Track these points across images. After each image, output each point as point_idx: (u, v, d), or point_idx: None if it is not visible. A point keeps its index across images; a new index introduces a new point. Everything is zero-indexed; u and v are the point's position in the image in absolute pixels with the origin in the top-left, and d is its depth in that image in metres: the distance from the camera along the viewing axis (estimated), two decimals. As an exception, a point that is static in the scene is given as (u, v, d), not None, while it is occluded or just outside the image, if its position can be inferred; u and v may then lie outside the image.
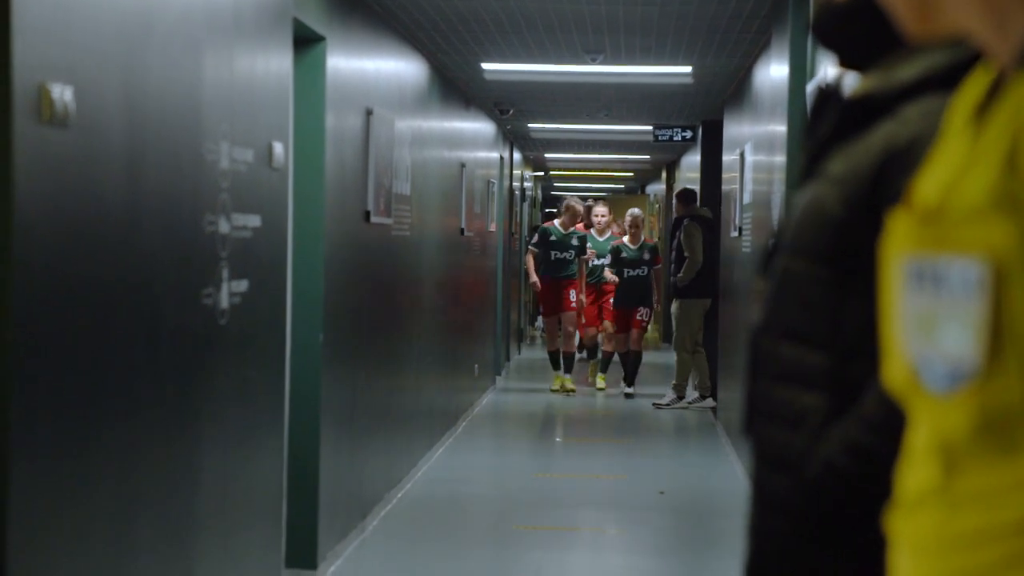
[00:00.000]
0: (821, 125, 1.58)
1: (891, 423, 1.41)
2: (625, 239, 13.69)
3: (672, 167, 20.60)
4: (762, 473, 1.55)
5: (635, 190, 30.88)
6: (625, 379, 13.60)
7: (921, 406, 0.99)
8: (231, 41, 4.63)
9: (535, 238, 14.17)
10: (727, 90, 11.39)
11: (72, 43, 3.27)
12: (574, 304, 13.85)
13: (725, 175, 11.83)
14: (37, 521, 3.13)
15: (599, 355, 14.27)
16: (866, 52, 1.56)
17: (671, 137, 14.60)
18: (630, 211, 13.92)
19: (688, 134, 14.52)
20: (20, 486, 3.03)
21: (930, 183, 1.02)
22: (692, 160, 15.98)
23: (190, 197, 4.20)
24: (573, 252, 13.83)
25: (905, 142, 1.48)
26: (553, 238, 13.87)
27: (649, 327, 14.31)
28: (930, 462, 0.99)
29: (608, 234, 14.18)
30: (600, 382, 14.09)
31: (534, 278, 14.01)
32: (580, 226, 14.21)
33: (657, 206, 24.75)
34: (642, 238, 13.70)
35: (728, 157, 11.55)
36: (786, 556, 1.52)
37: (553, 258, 13.83)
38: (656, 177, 24.87)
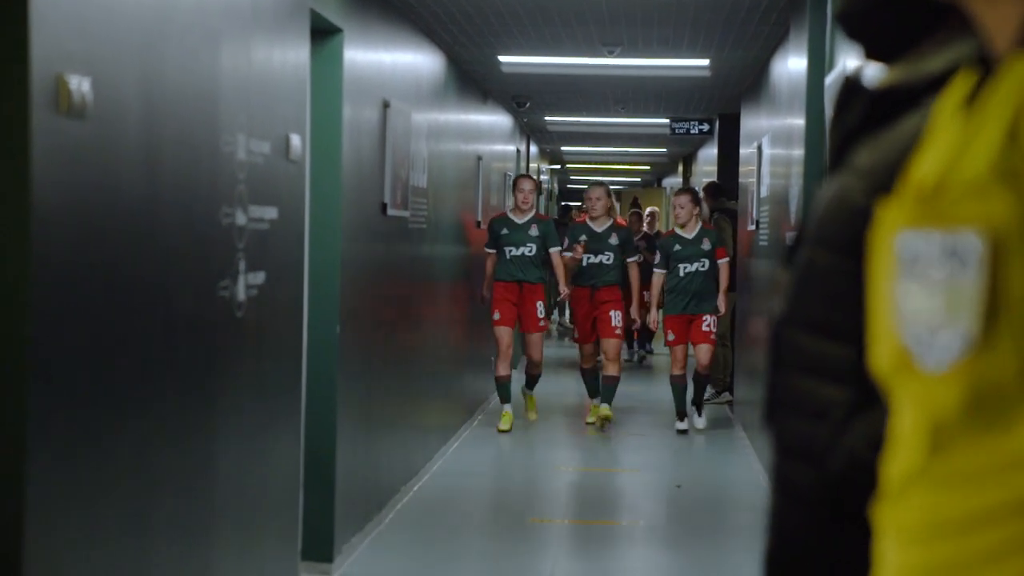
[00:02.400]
0: (847, 116, 1.58)
1: None
2: (676, 229, 10.68)
3: (689, 160, 20.57)
4: (784, 465, 1.55)
5: (652, 183, 30.86)
6: (695, 406, 10.78)
7: (911, 385, 0.97)
8: (249, 33, 4.62)
9: (488, 238, 10.60)
10: (744, 83, 11.36)
11: (90, 34, 3.27)
12: (542, 323, 10.58)
13: (742, 168, 11.80)
14: (54, 514, 3.13)
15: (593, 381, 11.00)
16: (893, 44, 1.55)
17: (688, 130, 14.57)
18: (678, 191, 11.05)
19: (705, 127, 14.50)
20: (37, 478, 3.03)
21: (925, 165, 1.02)
22: (709, 153, 15.95)
23: (207, 189, 4.20)
24: (533, 247, 10.38)
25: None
26: (505, 232, 10.41)
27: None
28: (919, 445, 0.97)
29: (609, 222, 10.67)
30: (593, 416, 10.92)
31: (485, 293, 10.65)
32: (585, 217, 10.98)
33: (674, 199, 24.70)
34: (699, 225, 10.67)
35: (745, 150, 11.52)
36: (808, 549, 1.52)
37: (508, 257, 10.36)
38: (673, 170, 24.84)
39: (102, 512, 3.41)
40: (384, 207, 7.16)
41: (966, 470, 0.93)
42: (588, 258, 10.52)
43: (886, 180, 1.48)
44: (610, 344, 10.62)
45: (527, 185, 10.61)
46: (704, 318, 10.44)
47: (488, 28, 8.78)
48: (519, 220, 10.46)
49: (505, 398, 10.50)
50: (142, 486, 3.67)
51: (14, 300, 2.96)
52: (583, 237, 10.57)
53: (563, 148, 20.89)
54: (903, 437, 1.00)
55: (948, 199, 0.95)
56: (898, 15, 1.48)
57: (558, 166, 25.16)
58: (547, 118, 15.28)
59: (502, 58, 10.12)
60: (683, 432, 10.53)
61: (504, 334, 10.40)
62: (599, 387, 10.78)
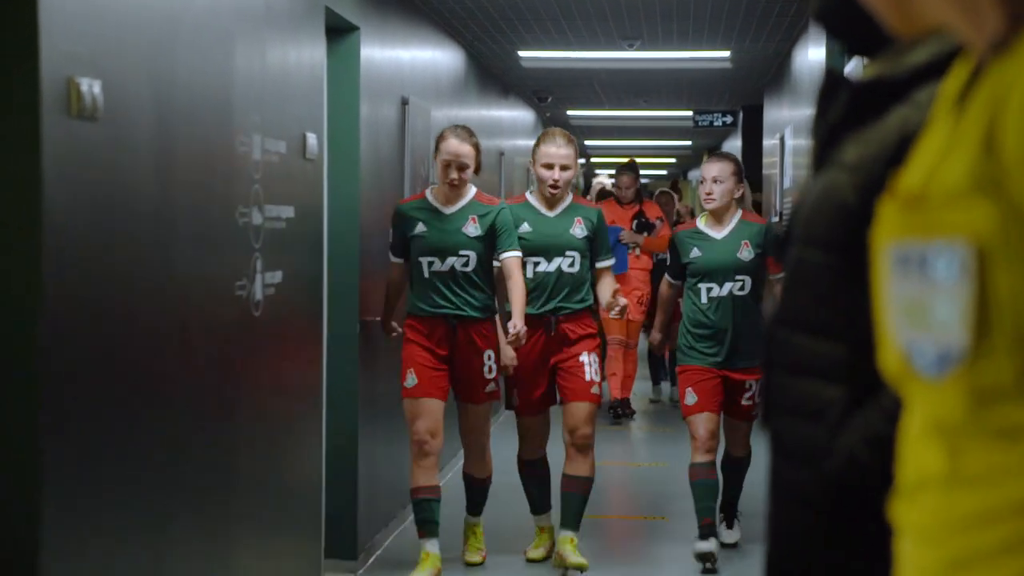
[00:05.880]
0: (831, 111, 1.56)
1: None
2: (699, 221, 6.48)
3: (714, 153, 20.53)
4: (782, 467, 1.53)
5: (677, 176, 30.78)
6: (723, 514, 6.68)
7: (915, 391, 0.98)
8: (262, 32, 4.62)
9: (392, 239, 6.06)
10: (766, 74, 11.32)
11: (100, 36, 3.27)
12: (491, 386, 6.13)
13: (766, 160, 11.77)
14: (71, 515, 3.13)
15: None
16: (873, 37, 1.54)
17: (711, 123, 14.53)
18: (711, 156, 6.78)
19: (728, 119, 14.46)
20: (54, 480, 3.03)
21: (915, 170, 1.02)
22: (733, 145, 15.90)
23: (222, 189, 4.20)
24: (472, 256, 5.88)
25: (919, 127, 1.45)
26: (421, 229, 5.90)
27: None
28: (931, 447, 0.98)
29: (567, 201, 6.34)
30: (574, 555, 6.10)
31: (390, 328, 6.20)
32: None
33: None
34: (738, 214, 6.41)
35: (768, 142, 11.48)
36: (810, 551, 1.50)
37: (427, 274, 5.90)
38: (697, 163, 24.78)
39: (122, 513, 3.42)
40: (404, 204, 7.15)
41: (978, 471, 0.94)
42: (536, 264, 6.11)
43: (874, 175, 1.46)
44: (580, 410, 6.19)
45: (460, 146, 5.94)
46: (747, 384, 6.27)
47: (507, 23, 8.77)
48: (446, 209, 5.96)
49: (428, 530, 5.95)
50: (163, 486, 3.67)
51: (27, 303, 2.97)
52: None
53: (587, 142, 20.87)
54: (915, 437, 1.01)
55: (932, 208, 0.95)
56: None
57: (582, 160, 25.14)
58: (569, 112, 15.25)
59: (522, 53, 10.10)
60: (707, 557, 6.20)
61: (423, 413, 5.90)
62: (546, 495, 6.47)
